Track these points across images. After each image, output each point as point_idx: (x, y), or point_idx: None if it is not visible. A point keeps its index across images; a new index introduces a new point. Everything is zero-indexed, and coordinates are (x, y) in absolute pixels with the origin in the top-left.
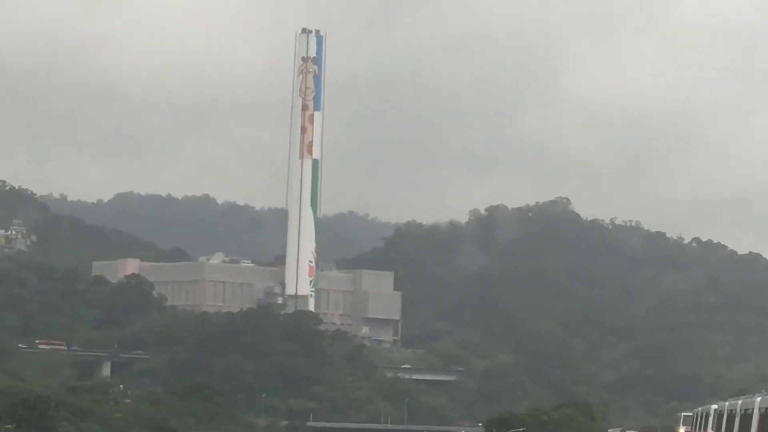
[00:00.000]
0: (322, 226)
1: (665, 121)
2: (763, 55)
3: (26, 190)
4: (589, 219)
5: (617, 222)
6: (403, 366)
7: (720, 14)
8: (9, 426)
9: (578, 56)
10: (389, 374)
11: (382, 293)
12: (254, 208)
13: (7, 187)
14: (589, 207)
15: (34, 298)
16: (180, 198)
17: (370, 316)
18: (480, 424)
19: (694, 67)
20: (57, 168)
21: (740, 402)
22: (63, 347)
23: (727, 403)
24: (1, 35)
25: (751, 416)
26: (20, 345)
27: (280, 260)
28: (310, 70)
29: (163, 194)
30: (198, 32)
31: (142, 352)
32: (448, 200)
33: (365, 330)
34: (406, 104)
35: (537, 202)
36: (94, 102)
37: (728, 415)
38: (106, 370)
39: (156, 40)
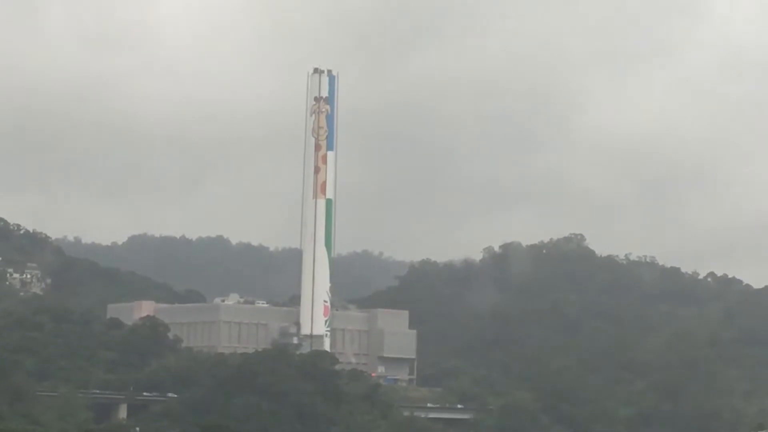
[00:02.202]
0: (336, 266)
1: (680, 156)
2: None
3: (41, 233)
4: (603, 255)
5: (632, 258)
6: (420, 405)
7: (736, 47)
8: None
9: (594, 91)
10: (406, 413)
11: (397, 332)
12: (268, 248)
13: (22, 231)
14: (603, 243)
15: (51, 342)
16: (194, 239)
17: (385, 355)
18: None
19: (709, 100)
20: (71, 210)
21: None
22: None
23: None
24: (16, 76)
25: None
26: (38, 389)
27: (295, 300)
28: (323, 109)
29: (177, 236)
30: (210, 73)
31: (158, 393)
32: (462, 237)
33: (381, 369)
34: (419, 141)
35: (551, 239)
36: (108, 143)
37: None
38: (123, 413)
39: (169, 81)
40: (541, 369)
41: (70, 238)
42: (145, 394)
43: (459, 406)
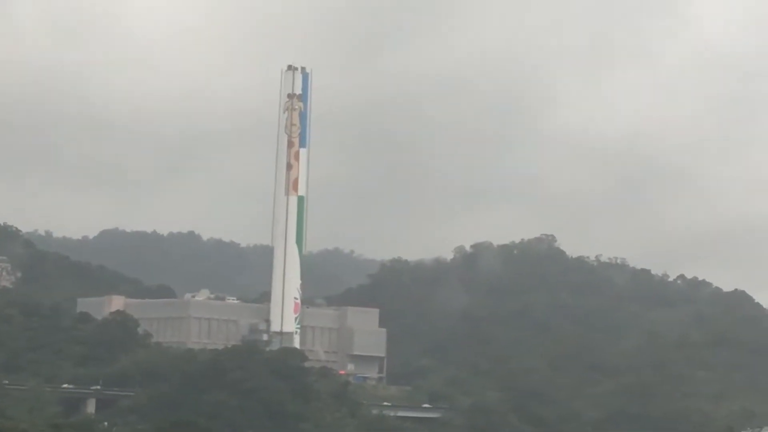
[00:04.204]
0: (307, 263)
1: (653, 157)
2: (752, 92)
3: (11, 226)
4: (574, 256)
5: (603, 259)
6: (388, 403)
7: (712, 47)
8: None
9: (568, 90)
10: (375, 411)
11: (367, 330)
12: (240, 244)
13: None
14: (574, 244)
15: (20, 335)
16: (165, 234)
17: (355, 353)
18: None
19: (683, 101)
20: (42, 204)
21: None
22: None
23: None
24: None
25: None
26: (6, 383)
27: (266, 297)
28: (296, 106)
29: (149, 231)
30: (184, 68)
31: (127, 388)
32: (434, 237)
33: (350, 367)
34: (392, 140)
35: (522, 239)
36: (80, 137)
37: None
38: (91, 407)
39: (143, 75)
40: (511, 369)
41: (41, 231)
42: (109, 390)
43: (425, 405)
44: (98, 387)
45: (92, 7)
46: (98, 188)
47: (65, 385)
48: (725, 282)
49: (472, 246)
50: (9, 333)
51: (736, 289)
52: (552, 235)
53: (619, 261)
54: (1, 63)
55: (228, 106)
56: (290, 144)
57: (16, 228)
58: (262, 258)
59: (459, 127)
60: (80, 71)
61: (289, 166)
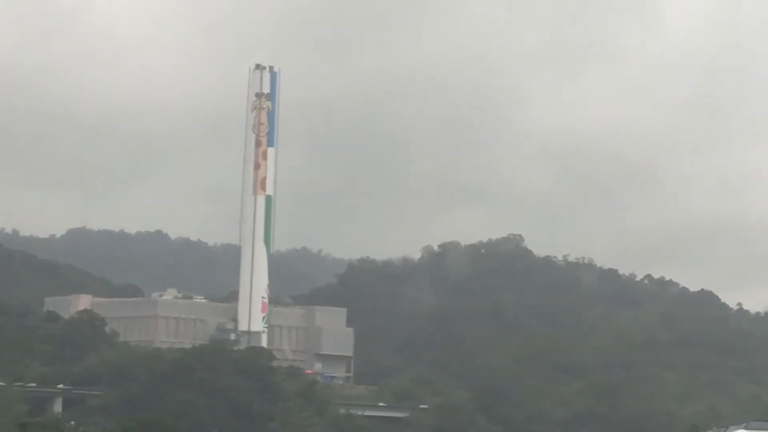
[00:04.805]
0: (275, 262)
1: (621, 157)
2: (718, 92)
3: None
4: (542, 256)
5: (570, 259)
6: (356, 402)
7: (679, 48)
8: None
9: (536, 90)
10: (342, 410)
11: (335, 329)
12: (207, 243)
13: None
14: (542, 244)
15: None
16: (133, 233)
17: (323, 352)
18: None
19: (650, 102)
20: (8, 202)
21: None
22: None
23: None
24: None
25: None
26: None
27: (233, 296)
28: (264, 106)
29: (116, 230)
30: (151, 66)
31: (94, 387)
32: (402, 236)
33: (318, 366)
34: (360, 139)
35: (490, 239)
36: (46, 134)
37: None
38: (58, 406)
39: (109, 72)
40: (479, 369)
41: (8, 230)
42: (77, 389)
43: (392, 404)
44: (65, 386)
45: (57, 4)
46: (65, 187)
47: (32, 384)
48: (692, 282)
49: (439, 246)
50: None
51: (702, 289)
52: (519, 235)
53: (586, 261)
54: None
55: (196, 105)
56: (258, 143)
57: None
58: (230, 257)
59: (428, 128)
60: (46, 69)
61: (256, 166)
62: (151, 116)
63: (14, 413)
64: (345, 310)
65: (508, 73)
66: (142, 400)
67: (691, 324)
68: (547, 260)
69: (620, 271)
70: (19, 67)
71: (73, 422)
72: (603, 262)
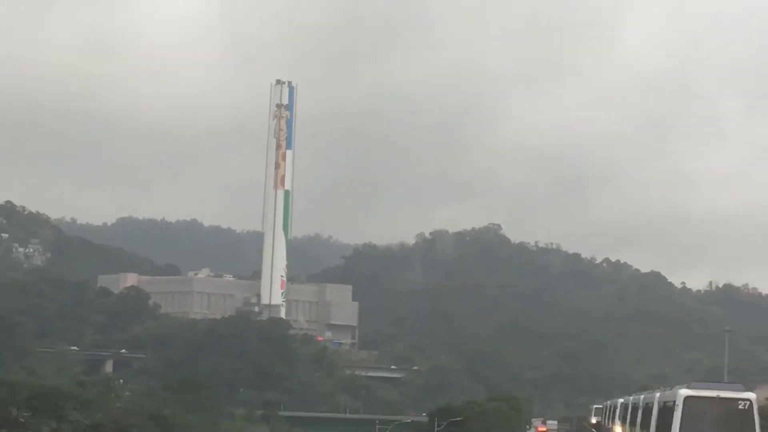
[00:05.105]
0: (292, 247)
1: (586, 158)
2: (667, 105)
3: (42, 214)
4: (517, 242)
5: (540, 245)
6: (359, 365)
7: (637, 64)
8: (26, 414)
9: (516, 103)
10: (348, 372)
11: (342, 303)
12: (235, 230)
13: (26, 212)
14: (517, 232)
15: (50, 306)
16: (172, 222)
17: (332, 322)
18: (424, 414)
19: (613, 111)
20: (68, 195)
21: (642, 396)
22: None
23: (631, 398)
24: (24, 79)
25: (651, 408)
26: (38, 347)
27: (257, 275)
28: (283, 114)
29: (158, 218)
30: (190, 80)
31: (139, 352)
32: (399, 225)
33: (328, 334)
34: (366, 142)
35: (473, 228)
36: (101, 138)
37: (632, 407)
38: (109, 368)
39: (154, 86)
40: (464, 338)
41: (68, 218)
42: (124, 354)
43: (393, 367)
44: (115, 351)
45: (114, 26)
46: (116, 182)
47: (86, 349)
48: (643, 264)
49: (431, 233)
50: (40, 305)
51: (652, 271)
52: (498, 224)
53: (554, 246)
54: (37, 75)
55: (226, 113)
56: (278, 146)
57: (46, 215)
58: (254, 242)
59: (422, 132)
60: (104, 81)
61: (277, 165)
62: (188, 122)
63: (73, 373)
64: (351, 287)
65: (491, 86)
66: (179, 363)
67: (642, 301)
68: (521, 246)
69: (583, 255)
70: (76, 77)
71: (121, 381)
72: (569, 247)
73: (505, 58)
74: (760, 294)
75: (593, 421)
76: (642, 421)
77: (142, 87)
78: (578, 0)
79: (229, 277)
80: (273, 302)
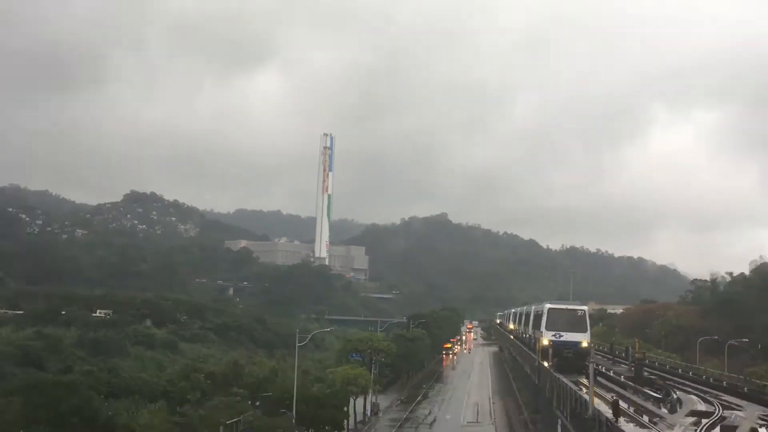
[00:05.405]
0: (332, 226)
1: (493, 177)
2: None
3: (193, 207)
4: (456, 223)
5: (470, 224)
6: (369, 292)
7: (559, 103)
8: (185, 317)
9: (458, 140)
10: (362, 294)
11: (360, 256)
12: (300, 216)
13: (185, 206)
14: (458, 217)
15: (198, 258)
16: (266, 211)
17: (355, 267)
18: (405, 318)
19: (531, 144)
20: (208, 194)
21: (525, 308)
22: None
23: (519, 309)
24: (183, 128)
25: (530, 314)
26: (191, 280)
27: (313, 241)
28: (327, 152)
29: (258, 209)
30: (274, 129)
31: (249, 283)
32: (391, 213)
33: (352, 274)
34: (373, 167)
35: (432, 214)
36: (232, 161)
37: (519, 314)
38: (231, 291)
39: (245, 131)
40: (430, 278)
41: (207, 209)
42: (240, 284)
43: (391, 292)
44: (238, 283)
45: (230, 101)
46: (235, 188)
47: (219, 281)
48: (527, 235)
49: (409, 218)
50: (193, 257)
51: (530, 239)
52: (446, 213)
53: (477, 225)
54: (191, 112)
55: (292, 151)
56: (324, 170)
57: (195, 207)
58: (311, 223)
59: (405, 161)
60: (231, 134)
61: (323, 180)
62: (269, 156)
63: (209, 296)
64: (364, 248)
65: (441, 134)
66: (270, 290)
67: (527, 256)
68: (459, 225)
69: (500, 233)
70: (217, 131)
71: (238, 299)
72: (490, 226)
73: (449, 116)
74: (590, 251)
75: (498, 321)
76: (524, 321)
77: (251, 136)
78: (485, 92)
79: (297, 242)
80: (321, 255)
